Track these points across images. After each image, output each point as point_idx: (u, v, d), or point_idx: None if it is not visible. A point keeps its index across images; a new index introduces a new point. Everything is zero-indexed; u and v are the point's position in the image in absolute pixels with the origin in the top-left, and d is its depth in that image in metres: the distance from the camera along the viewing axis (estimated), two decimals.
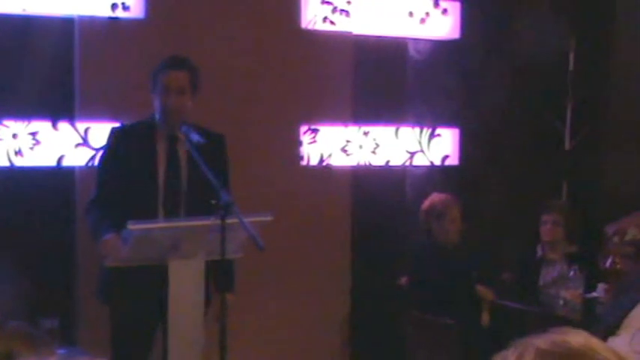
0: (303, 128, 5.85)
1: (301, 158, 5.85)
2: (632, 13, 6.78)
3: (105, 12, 5.18)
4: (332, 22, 5.91)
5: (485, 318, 5.47)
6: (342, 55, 5.97)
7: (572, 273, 5.51)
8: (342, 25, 5.95)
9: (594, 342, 1.47)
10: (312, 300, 5.86)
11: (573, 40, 6.67)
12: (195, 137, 4.22)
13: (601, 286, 5.13)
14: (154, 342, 4.44)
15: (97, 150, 5.10)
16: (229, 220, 3.87)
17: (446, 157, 6.42)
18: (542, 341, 1.48)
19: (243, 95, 5.59)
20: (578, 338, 1.48)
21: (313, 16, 5.84)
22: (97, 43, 5.19)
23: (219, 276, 4.23)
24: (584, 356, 1.44)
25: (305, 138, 5.86)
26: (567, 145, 6.71)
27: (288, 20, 5.77)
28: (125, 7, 5.22)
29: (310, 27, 5.84)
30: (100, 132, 5.08)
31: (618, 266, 5.21)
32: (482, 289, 5.55)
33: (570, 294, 5.34)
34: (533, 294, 5.60)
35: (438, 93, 6.44)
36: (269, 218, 4.15)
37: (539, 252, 5.83)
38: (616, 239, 5.50)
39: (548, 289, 5.57)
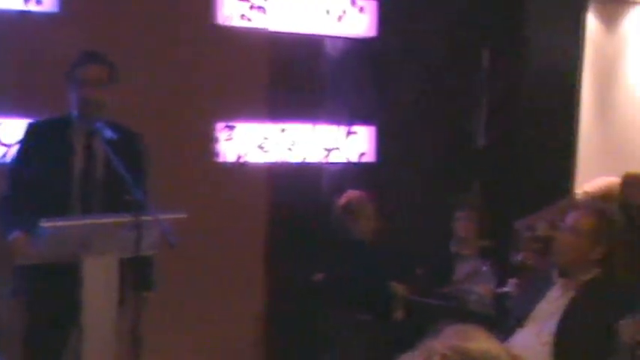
0: (220, 125, 5.84)
1: (217, 155, 5.84)
2: (542, 9, 6.91)
3: (17, 5, 5.10)
4: (248, 19, 5.91)
5: (399, 314, 5.53)
6: (258, 51, 5.98)
7: (484, 268, 5.62)
8: (259, 21, 5.96)
9: (494, 348, 1.49)
10: (227, 297, 5.86)
11: (488, 38, 6.77)
12: (109, 133, 4.19)
13: (512, 281, 5.24)
14: (68, 341, 4.39)
15: (9, 146, 5.01)
16: (143, 217, 3.85)
17: (362, 154, 6.47)
18: (444, 347, 1.48)
19: (158, 92, 5.56)
20: (479, 344, 1.49)
21: (230, 12, 5.84)
22: (8, 37, 5.10)
23: (137, 273, 4.21)
24: None
25: (221, 135, 5.85)
26: (481, 143, 6.81)
27: (205, 16, 5.75)
28: (38, 1, 5.14)
29: (227, 23, 5.83)
30: (12, 128, 5.00)
31: (528, 261, 5.34)
32: (396, 285, 5.61)
33: (482, 289, 5.45)
34: (447, 289, 5.69)
35: (354, 90, 6.49)
36: (183, 215, 4.14)
37: (453, 248, 5.91)
38: (526, 235, 5.63)
39: (461, 285, 5.67)
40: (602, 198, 6.87)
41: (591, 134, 7.65)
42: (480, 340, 1.49)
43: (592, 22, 7.59)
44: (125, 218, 3.89)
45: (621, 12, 7.97)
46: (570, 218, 4.17)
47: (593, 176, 7.44)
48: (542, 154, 6.88)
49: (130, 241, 3.84)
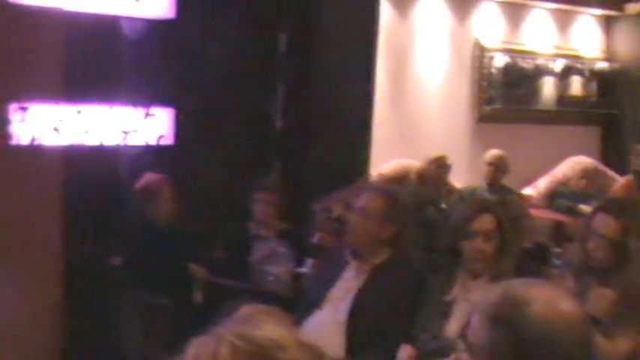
0: (13, 106, 5.65)
1: (10, 138, 5.65)
2: None
3: None
4: None
5: (198, 296, 5.55)
6: (53, 31, 5.80)
7: (282, 249, 5.72)
8: (53, 0, 5.79)
9: (282, 335, 1.50)
10: (21, 285, 5.69)
11: (285, 22, 6.86)
12: None
13: (309, 261, 5.35)
14: None
15: None
16: None
17: (160, 136, 6.42)
18: (232, 334, 1.49)
19: None
20: (266, 331, 1.50)
21: None
22: None
23: None
24: (268, 355, 1.47)
25: (14, 117, 5.66)
26: (279, 125, 6.90)
27: None
28: None
29: (19, 2, 5.64)
30: None
31: (324, 242, 5.47)
32: (195, 268, 5.62)
33: (280, 270, 5.54)
34: (245, 271, 5.75)
35: (152, 72, 6.43)
36: None
37: (252, 229, 5.98)
38: (323, 216, 5.77)
39: (259, 266, 5.74)
40: (397, 180, 7.15)
41: (385, 118, 7.90)
42: (269, 326, 1.51)
43: (386, 8, 7.83)
44: None
45: (413, 0, 8.27)
46: (360, 200, 4.29)
47: (387, 159, 7.71)
48: (339, 136, 7.04)
49: None
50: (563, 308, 1.99)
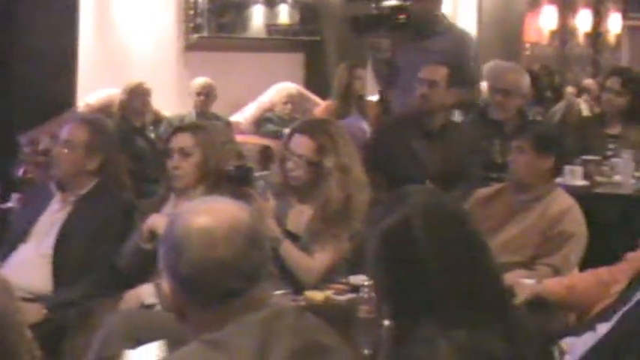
0: None
1: None
2: None
3: None
4: None
5: None
6: None
7: None
8: None
9: None
10: None
11: None
12: None
13: (14, 196, 5.22)
14: None
15: None
16: None
17: None
18: None
19: None
20: None
21: None
22: None
23: None
24: None
25: None
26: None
27: None
28: None
29: None
30: None
31: (30, 175, 5.38)
32: None
33: None
34: None
35: None
36: None
37: None
38: (29, 149, 5.66)
39: None
40: (102, 110, 7.11)
41: (91, 47, 7.77)
42: None
43: None
44: None
45: None
46: (64, 132, 4.25)
47: (95, 89, 7.62)
48: (44, 67, 6.85)
49: None
50: (200, 223, 2.07)
